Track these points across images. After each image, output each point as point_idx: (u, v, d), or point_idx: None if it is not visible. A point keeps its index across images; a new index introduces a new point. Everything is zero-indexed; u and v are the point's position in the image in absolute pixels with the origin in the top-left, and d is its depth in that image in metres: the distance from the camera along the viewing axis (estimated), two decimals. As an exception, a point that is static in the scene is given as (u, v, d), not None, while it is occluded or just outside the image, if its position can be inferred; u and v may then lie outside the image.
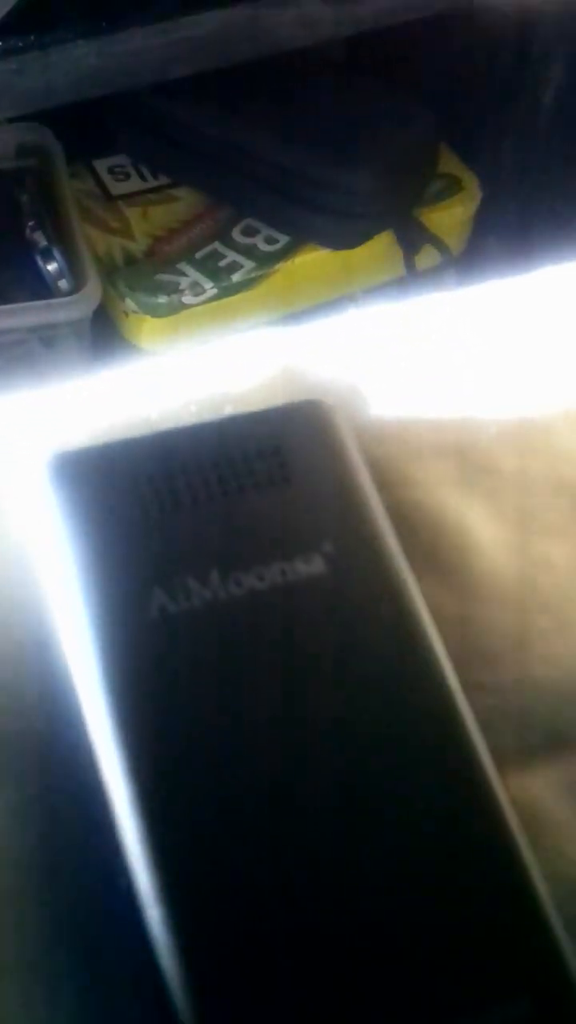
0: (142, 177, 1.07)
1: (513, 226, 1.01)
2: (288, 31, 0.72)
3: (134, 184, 1.06)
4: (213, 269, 0.99)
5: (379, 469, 0.29)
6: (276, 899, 0.23)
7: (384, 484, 0.29)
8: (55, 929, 0.25)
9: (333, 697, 0.26)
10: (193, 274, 0.99)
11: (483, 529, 0.31)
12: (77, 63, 0.72)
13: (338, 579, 0.27)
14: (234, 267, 0.99)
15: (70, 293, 0.90)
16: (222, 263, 1.00)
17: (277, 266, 1.00)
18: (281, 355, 0.33)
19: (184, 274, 0.99)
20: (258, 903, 0.23)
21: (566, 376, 0.33)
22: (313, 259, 1.00)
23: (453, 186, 1.06)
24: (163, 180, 1.06)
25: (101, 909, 0.25)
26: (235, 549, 0.26)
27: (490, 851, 0.24)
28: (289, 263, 1.00)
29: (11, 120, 0.91)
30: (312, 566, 0.26)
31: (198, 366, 0.33)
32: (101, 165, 1.06)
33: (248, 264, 1.00)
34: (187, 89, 0.92)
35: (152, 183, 1.06)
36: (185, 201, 1.04)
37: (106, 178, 1.07)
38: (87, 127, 1.01)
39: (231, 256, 1.00)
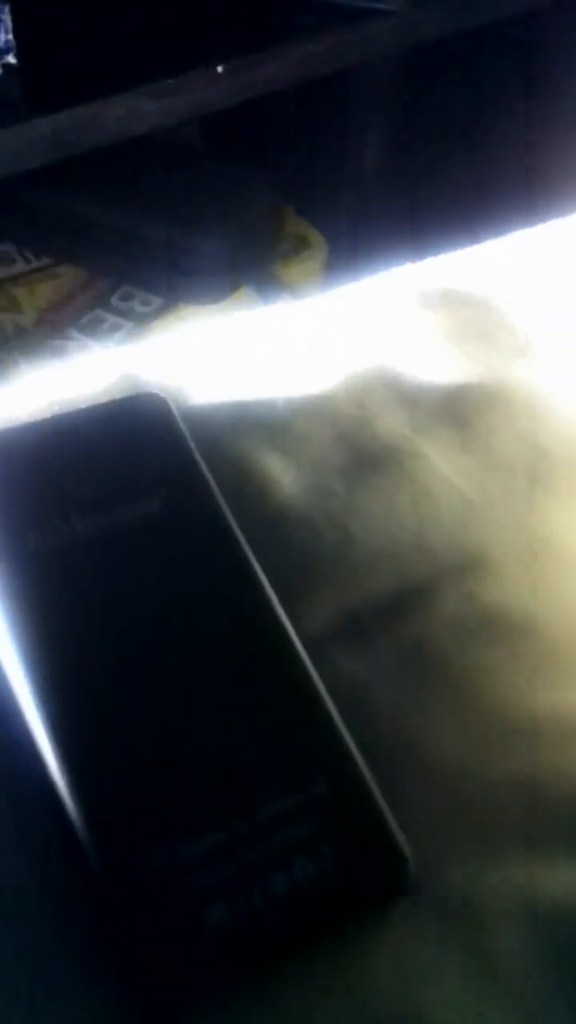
0: (26, 260, 1.16)
1: (358, 271, 1.11)
2: (119, 125, 0.82)
3: (19, 267, 1.15)
4: (97, 332, 1.07)
5: (201, 439, 0.39)
6: (144, 735, 0.32)
7: (205, 449, 0.39)
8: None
9: (173, 596, 0.36)
10: (79, 338, 1.08)
11: (282, 473, 0.40)
12: None
13: (171, 514, 0.37)
14: (115, 328, 1.09)
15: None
16: (104, 326, 1.09)
17: (153, 324, 1.09)
18: (122, 365, 0.44)
19: (71, 339, 1.08)
20: (132, 739, 0.32)
21: (349, 366, 0.44)
22: (183, 315, 1.09)
23: (302, 243, 1.17)
24: (45, 260, 1.15)
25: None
26: (91, 496, 0.37)
27: (291, 686, 0.33)
28: (163, 321, 1.09)
29: None
30: (151, 505, 0.37)
31: (57, 379, 0.44)
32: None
33: (128, 324, 1.09)
34: (56, 180, 1.01)
35: (36, 264, 1.16)
36: (67, 276, 1.13)
37: (-6, 263, 1.15)
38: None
39: (112, 319, 1.09)
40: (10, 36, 0.87)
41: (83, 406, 0.41)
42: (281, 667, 0.35)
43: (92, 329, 1.06)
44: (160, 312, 1.08)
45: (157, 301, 1.09)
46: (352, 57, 0.86)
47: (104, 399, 0.41)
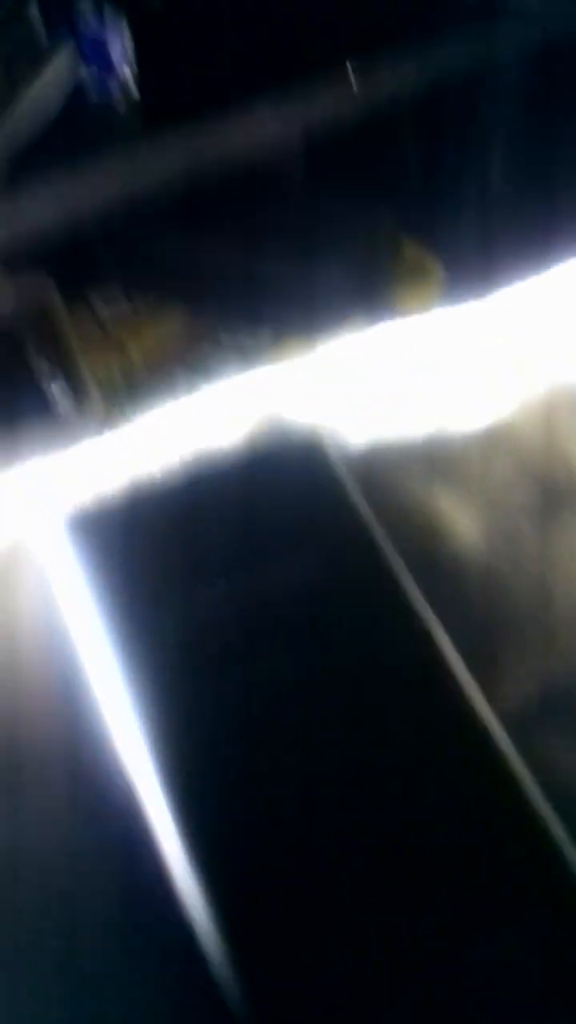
0: (131, 300, 1.14)
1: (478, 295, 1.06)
2: (241, 138, 0.78)
3: (125, 309, 1.13)
4: (206, 370, 1.04)
5: (364, 480, 0.33)
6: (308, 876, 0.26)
7: (370, 491, 0.33)
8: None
9: (343, 681, 0.29)
10: (189, 377, 1.05)
11: (458, 515, 0.35)
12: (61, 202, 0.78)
13: (334, 576, 0.30)
14: (224, 364, 1.05)
15: (75, 413, 0.95)
16: (213, 363, 1.06)
17: (264, 359, 1.05)
18: (261, 401, 0.38)
19: (180, 378, 1.05)
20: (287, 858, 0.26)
21: (523, 381, 0.38)
22: (297, 348, 1.06)
23: (418, 270, 1.12)
24: (150, 300, 1.13)
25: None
26: (238, 557, 0.31)
27: (497, 792, 0.27)
28: (276, 354, 1.06)
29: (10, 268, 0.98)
30: (310, 567, 0.31)
31: (185, 424, 0.38)
32: (95, 296, 1.14)
33: (237, 360, 1.06)
34: (164, 220, 0.98)
35: (141, 305, 1.13)
36: (173, 316, 1.10)
37: (100, 307, 1.14)
38: (77, 262, 1.08)
39: (220, 355, 1.06)
40: (127, 52, 0.84)
41: (220, 452, 0.35)
42: (482, 763, 0.27)
43: (200, 367, 1.03)
44: (270, 346, 1.05)
45: (266, 335, 1.06)
46: (484, 58, 0.82)
47: (245, 444, 0.36)
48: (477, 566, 0.33)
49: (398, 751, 0.28)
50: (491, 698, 0.28)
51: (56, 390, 1.02)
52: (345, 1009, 0.24)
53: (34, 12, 0.83)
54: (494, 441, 0.36)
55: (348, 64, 0.88)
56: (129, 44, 0.87)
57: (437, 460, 0.36)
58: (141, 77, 0.88)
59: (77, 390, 1.04)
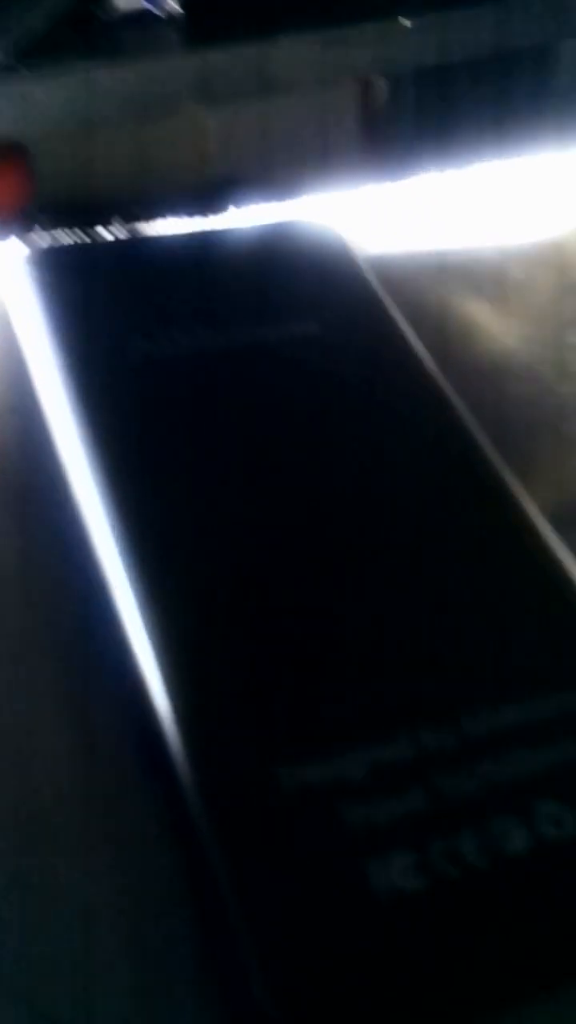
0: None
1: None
2: (285, 69, 0.74)
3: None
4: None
5: (388, 280, 0.28)
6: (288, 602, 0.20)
7: (394, 292, 0.27)
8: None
9: (354, 433, 0.23)
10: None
11: (494, 322, 0.30)
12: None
13: (349, 339, 0.25)
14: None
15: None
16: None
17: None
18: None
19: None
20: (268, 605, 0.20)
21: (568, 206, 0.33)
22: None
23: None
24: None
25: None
26: (222, 307, 0.25)
27: (531, 561, 0.21)
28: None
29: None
30: (314, 328, 0.25)
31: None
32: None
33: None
34: None
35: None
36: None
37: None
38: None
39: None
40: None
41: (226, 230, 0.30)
42: (509, 532, 0.21)
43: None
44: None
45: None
46: (551, 29, 0.79)
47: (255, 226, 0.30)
48: (517, 370, 0.27)
49: (411, 509, 0.21)
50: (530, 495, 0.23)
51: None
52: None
53: None
54: (538, 257, 0.31)
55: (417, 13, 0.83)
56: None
57: (474, 272, 0.30)
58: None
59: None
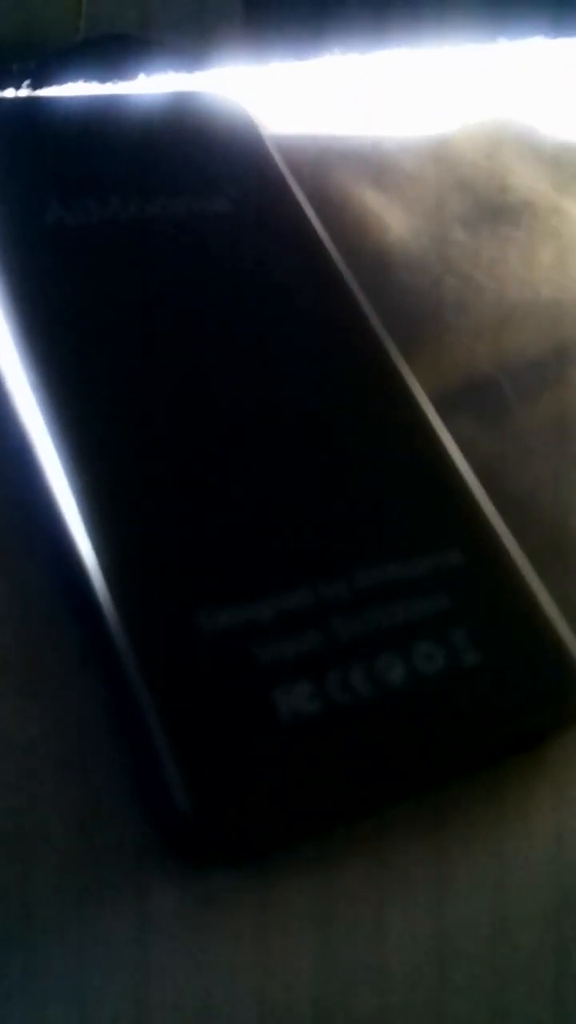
0: None
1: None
2: None
3: None
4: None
5: (289, 160, 0.29)
6: (198, 462, 0.22)
7: (297, 175, 0.29)
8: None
9: (255, 303, 0.25)
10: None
11: (387, 212, 0.32)
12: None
13: (249, 216, 0.27)
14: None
15: None
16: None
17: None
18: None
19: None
20: (179, 463, 0.22)
21: (462, 100, 0.35)
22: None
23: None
24: None
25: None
26: (137, 179, 0.27)
27: (411, 434, 0.24)
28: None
29: None
30: (222, 204, 0.27)
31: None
32: None
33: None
34: None
35: None
36: None
37: None
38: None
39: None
40: None
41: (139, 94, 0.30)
42: (396, 409, 0.24)
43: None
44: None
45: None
46: None
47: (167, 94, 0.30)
48: (406, 260, 0.29)
49: (303, 373, 0.24)
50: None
51: None
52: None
53: None
54: (431, 153, 0.33)
55: None
56: None
57: (369, 161, 0.32)
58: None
59: None
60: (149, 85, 0.34)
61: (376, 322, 0.26)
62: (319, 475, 0.23)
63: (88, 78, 0.35)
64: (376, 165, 0.33)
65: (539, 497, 0.26)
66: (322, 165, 0.32)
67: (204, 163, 0.27)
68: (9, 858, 0.19)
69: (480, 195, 0.33)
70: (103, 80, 0.35)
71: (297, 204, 0.28)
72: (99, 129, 0.28)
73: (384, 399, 0.25)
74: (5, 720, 0.20)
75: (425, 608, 0.21)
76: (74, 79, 0.35)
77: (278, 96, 0.35)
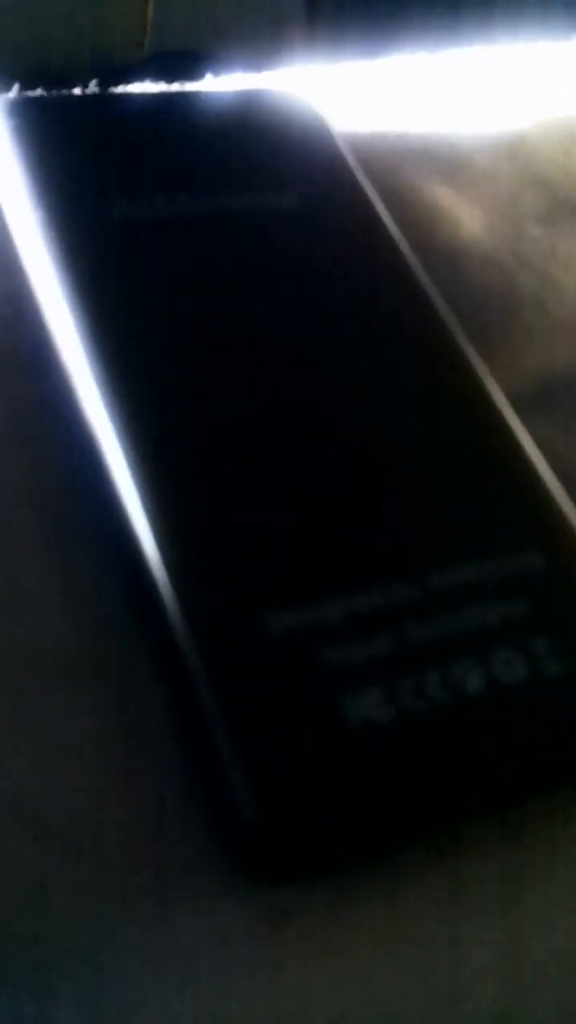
0: None
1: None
2: None
3: None
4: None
5: (364, 162, 0.28)
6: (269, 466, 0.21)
7: (368, 172, 0.28)
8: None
9: (328, 305, 0.24)
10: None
11: (462, 209, 0.32)
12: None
13: (321, 212, 0.26)
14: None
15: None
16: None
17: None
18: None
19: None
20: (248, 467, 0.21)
21: (537, 98, 0.34)
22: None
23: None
24: None
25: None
26: (204, 175, 0.26)
27: (490, 436, 0.23)
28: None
29: None
30: (287, 200, 0.26)
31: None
32: None
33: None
34: None
35: None
36: None
37: None
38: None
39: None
40: None
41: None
42: (474, 408, 0.23)
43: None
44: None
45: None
46: None
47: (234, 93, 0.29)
48: (479, 256, 0.28)
49: (381, 378, 0.23)
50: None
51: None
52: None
53: None
54: (506, 150, 0.32)
55: None
56: None
57: (442, 159, 0.31)
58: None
59: None
60: (217, 84, 0.34)
61: (451, 319, 0.25)
62: (393, 474, 0.22)
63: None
64: (449, 162, 0.32)
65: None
66: (393, 162, 0.32)
67: (272, 159, 0.27)
68: (70, 863, 0.19)
69: (556, 192, 0.32)
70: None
71: (367, 200, 0.27)
72: (167, 125, 0.27)
73: (462, 399, 0.24)
74: (67, 725, 0.20)
75: (504, 613, 0.20)
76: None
77: (348, 95, 0.35)
